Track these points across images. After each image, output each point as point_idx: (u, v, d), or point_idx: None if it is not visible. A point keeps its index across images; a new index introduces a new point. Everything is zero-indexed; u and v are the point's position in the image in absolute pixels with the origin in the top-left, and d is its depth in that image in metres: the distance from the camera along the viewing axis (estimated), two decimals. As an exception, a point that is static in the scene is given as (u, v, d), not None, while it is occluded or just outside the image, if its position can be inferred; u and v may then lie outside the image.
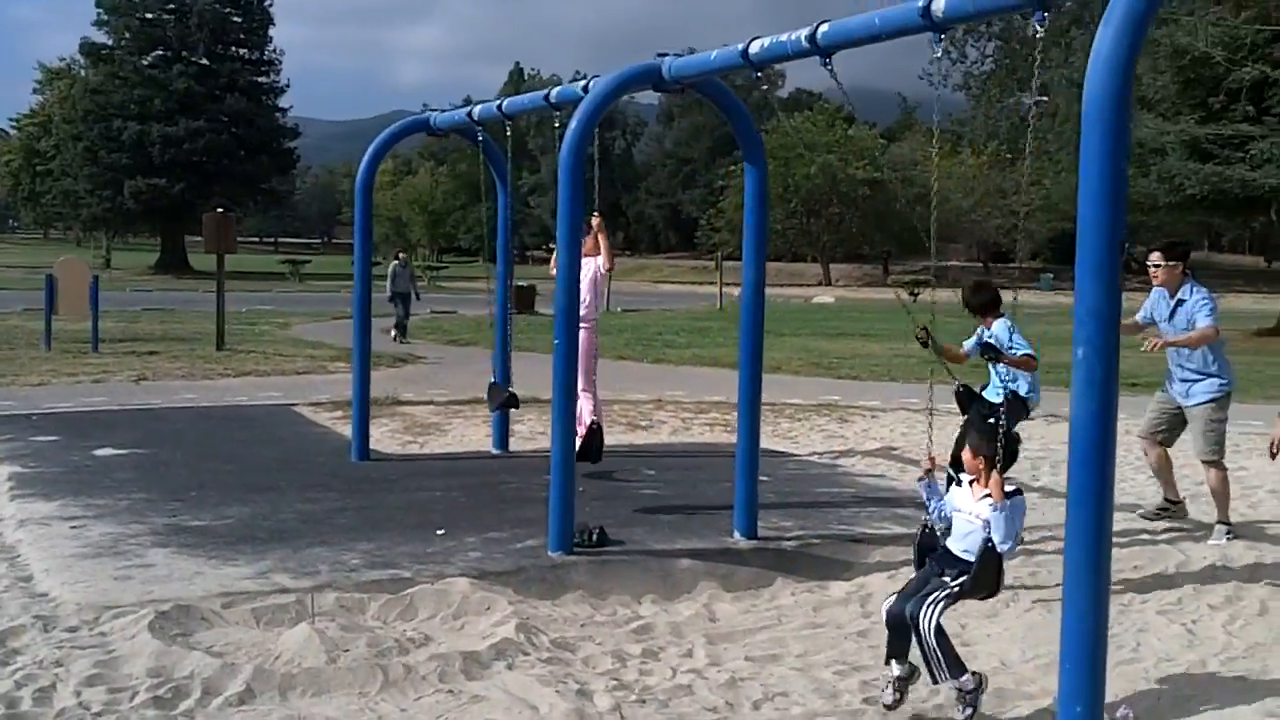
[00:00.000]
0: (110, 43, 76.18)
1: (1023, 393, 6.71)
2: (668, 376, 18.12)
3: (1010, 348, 6.83)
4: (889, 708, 5.43)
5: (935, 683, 5.33)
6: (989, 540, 5.16)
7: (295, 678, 5.38)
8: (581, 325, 9.59)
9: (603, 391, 10.64)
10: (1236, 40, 24.51)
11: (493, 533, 7.97)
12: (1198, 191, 26.94)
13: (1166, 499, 9.21)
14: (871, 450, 12.35)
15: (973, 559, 5.25)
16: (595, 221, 9.45)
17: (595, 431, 9.39)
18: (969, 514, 5.41)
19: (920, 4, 5.58)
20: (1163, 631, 6.55)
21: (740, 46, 6.83)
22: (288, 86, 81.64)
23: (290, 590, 6.58)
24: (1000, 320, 6.82)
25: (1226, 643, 6.41)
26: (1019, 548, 5.99)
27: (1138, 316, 9.01)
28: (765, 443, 8.46)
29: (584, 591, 7.07)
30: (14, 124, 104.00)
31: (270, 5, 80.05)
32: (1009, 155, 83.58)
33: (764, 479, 8.35)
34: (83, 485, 9.28)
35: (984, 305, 6.91)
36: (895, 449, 12.46)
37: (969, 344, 6.99)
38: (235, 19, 78.07)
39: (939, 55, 5.96)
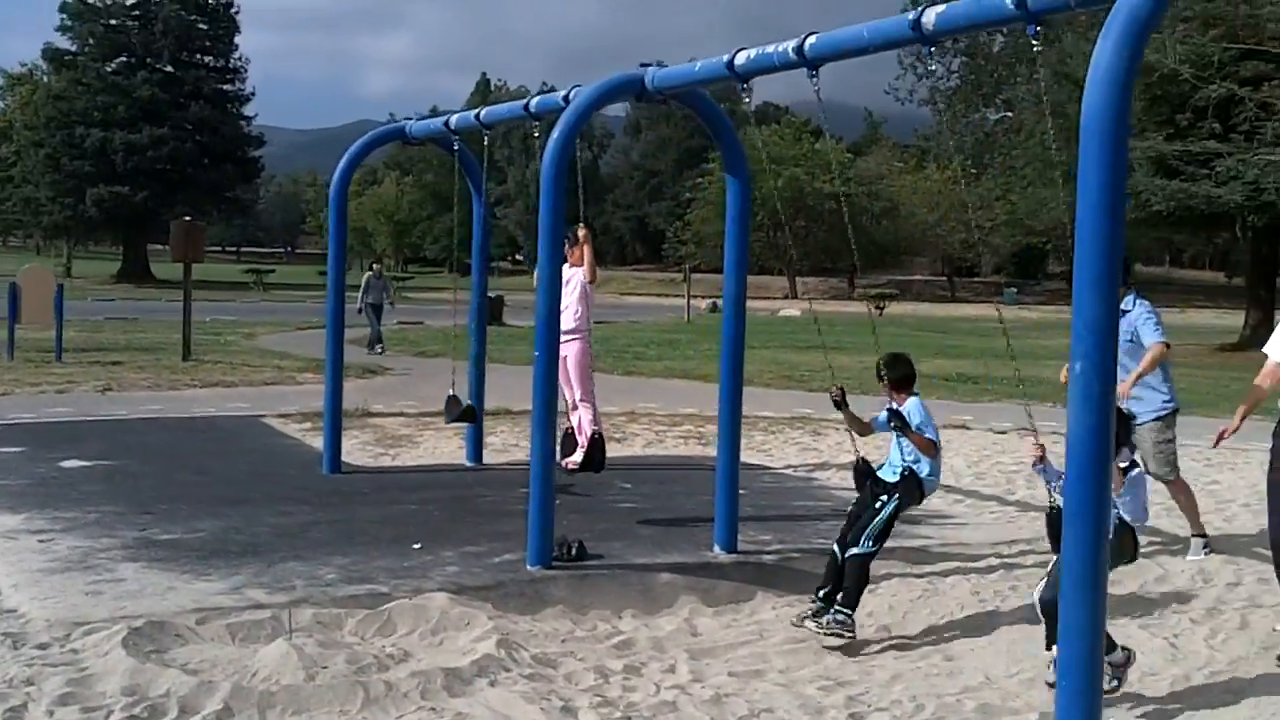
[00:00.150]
0: (73, 49, 75.55)
1: (922, 474, 6.56)
2: (639, 389, 18.02)
3: (918, 427, 6.62)
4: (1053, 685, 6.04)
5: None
6: (1120, 517, 5.64)
7: (274, 696, 5.26)
8: (575, 336, 9.54)
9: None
10: (1204, 58, 24.70)
11: (470, 547, 7.87)
12: (1164, 208, 27.11)
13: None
14: (846, 464, 12.17)
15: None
16: (582, 233, 9.39)
17: (597, 441, 9.33)
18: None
19: (911, 16, 5.55)
20: (1145, 645, 6.51)
21: (726, 58, 6.78)
22: (253, 95, 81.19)
23: (265, 606, 6.46)
24: (913, 399, 6.65)
25: (1209, 657, 6.40)
26: (1148, 520, 6.42)
27: None
28: (745, 455, 8.39)
29: (564, 606, 6.99)
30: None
31: (236, 12, 79.63)
32: (974, 170, 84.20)
33: (741, 492, 8.28)
34: (49, 498, 9.11)
35: (898, 380, 6.73)
36: (870, 463, 12.39)
37: (879, 418, 6.84)
38: (201, 26, 77.59)
39: (904, 73, 6.08)
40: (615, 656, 6.26)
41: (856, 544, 6.66)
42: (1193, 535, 8.72)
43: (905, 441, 6.74)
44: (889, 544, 8.38)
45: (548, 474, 7.44)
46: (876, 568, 7.93)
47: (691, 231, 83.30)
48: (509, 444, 12.65)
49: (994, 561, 8.28)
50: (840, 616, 6.50)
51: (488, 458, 11.42)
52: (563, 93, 8.20)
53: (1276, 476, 6.65)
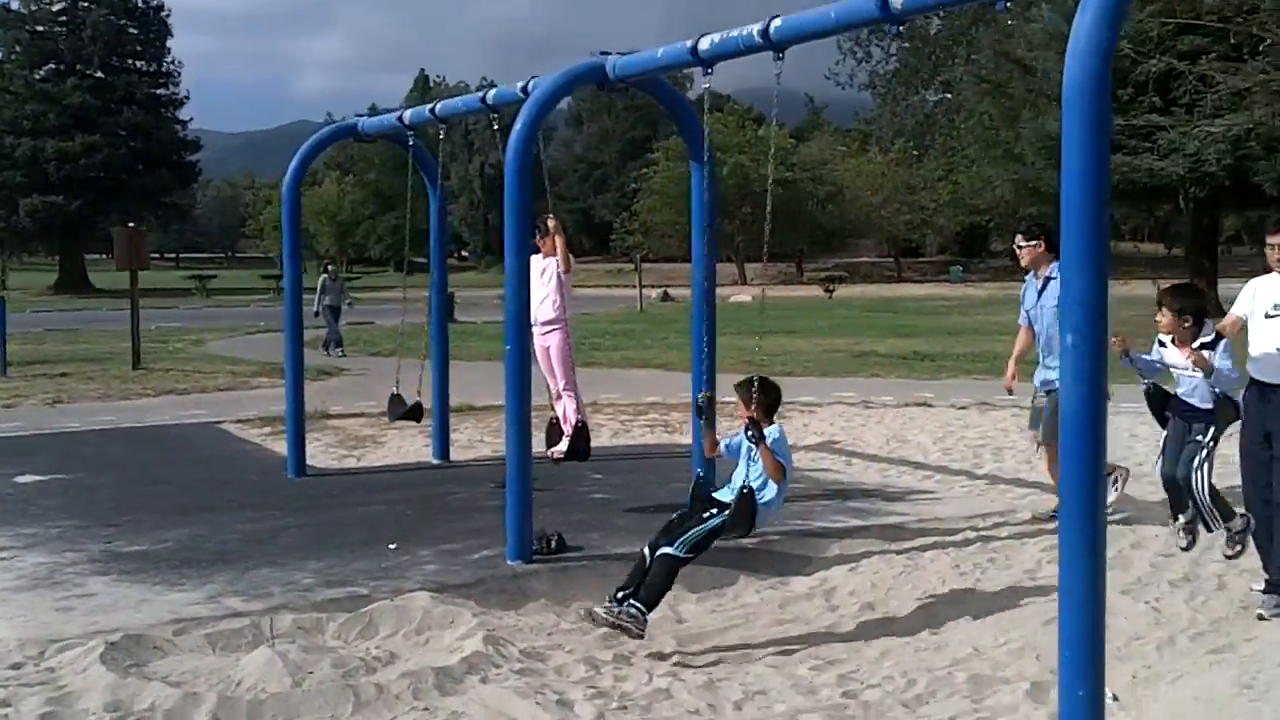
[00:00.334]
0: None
1: (761, 499, 6.33)
2: (600, 379, 17.93)
3: (774, 444, 6.48)
4: (1185, 549, 6.90)
5: (1209, 531, 6.61)
6: (1215, 390, 6.52)
7: (262, 705, 5.16)
8: (555, 327, 9.46)
9: (537, 397, 10.51)
10: (1142, 34, 24.90)
11: (446, 545, 7.78)
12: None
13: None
14: (813, 445, 12.31)
15: (1206, 405, 6.67)
16: (552, 223, 9.31)
17: (581, 430, 9.25)
18: (1184, 369, 6.64)
19: (879, -6, 5.50)
20: (1129, 611, 6.55)
21: (689, 44, 6.71)
22: (187, 98, 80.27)
23: (243, 614, 6.35)
24: (775, 427, 6.52)
25: (1191, 618, 6.44)
26: (1237, 375, 6.74)
27: (1020, 322, 9.10)
28: (693, 439, 8.35)
29: (547, 600, 6.92)
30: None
31: (167, 16, 78.64)
32: (916, 152, 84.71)
33: (713, 478, 8.24)
34: (7, 514, 8.92)
35: (770, 406, 6.60)
36: (837, 442, 12.43)
37: (730, 442, 6.66)
38: (131, 30, 76.62)
39: (843, 58, 6.16)
40: (603, 647, 6.20)
41: (670, 545, 6.25)
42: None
43: (755, 466, 6.40)
44: (864, 522, 8.47)
45: (524, 468, 7.36)
46: (855, 546, 7.97)
47: (639, 222, 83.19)
48: (474, 440, 12.54)
49: (970, 535, 8.29)
50: (634, 611, 6.10)
51: (454, 455, 11.31)
52: (521, 84, 8.10)
53: (1246, 441, 6.70)
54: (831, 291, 58.20)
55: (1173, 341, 6.72)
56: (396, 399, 10.31)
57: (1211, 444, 6.47)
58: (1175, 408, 6.84)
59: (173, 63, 79.40)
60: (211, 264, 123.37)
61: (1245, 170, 25.95)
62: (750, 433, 6.26)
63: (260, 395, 16.99)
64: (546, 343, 9.99)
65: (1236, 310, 6.76)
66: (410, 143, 10.12)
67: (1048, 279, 8.76)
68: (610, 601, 6.19)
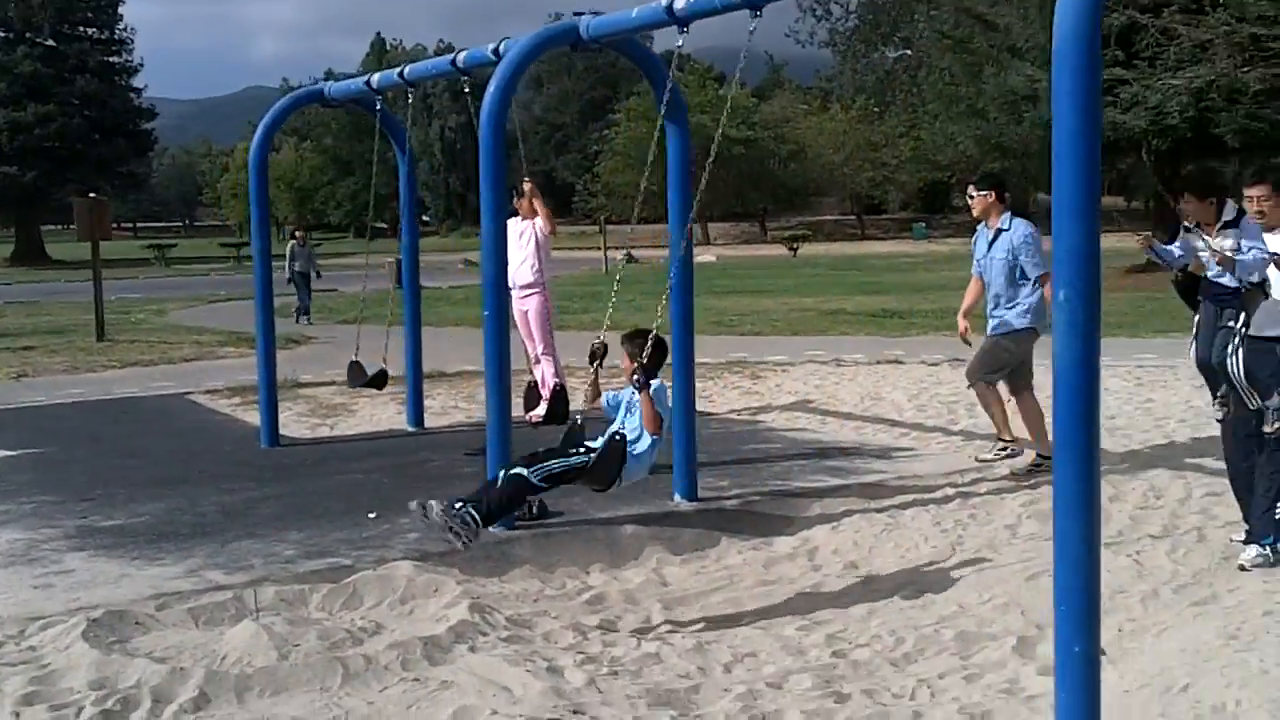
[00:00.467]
0: (-55, 27, 73.17)
1: (633, 450, 6.10)
2: (569, 342, 17.57)
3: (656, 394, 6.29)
4: (1221, 420, 6.74)
5: (1249, 409, 6.41)
6: (1242, 279, 6.41)
7: (250, 678, 5.11)
8: (534, 290, 9.41)
9: (516, 362, 10.46)
10: (1104, -15, 24.86)
11: (426, 512, 7.72)
12: (1070, 135, 27.33)
13: (1039, 454, 8.93)
14: (788, 405, 12.30)
15: (1234, 285, 6.52)
16: (529, 186, 9.24)
17: (559, 393, 9.21)
18: (1213, 251, 6.54)
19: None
20: (1111, 564, 6.52)
21: (664, 2, 6.64)
22: (141, 66, 79.16)
23: (225, 587, 6.29)
24: (659, 381, 6.34)
25: (1174, 571, 6.46)
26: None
27: (973, 271, 9.17)
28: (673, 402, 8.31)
29: (531, 566, 6.90)
30: None
31: (119, -19, 77.46)
32: (877, 109, 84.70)
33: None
34: (-22, 491, 8.81)
35: (658, 364, 6.42)
36: (811, 401, 12.43)
37: (614, 396, 6.45)
38: (81, -2, 75.42)
39: (803, 15, 6.11)
40: (589, 612, 6.20)
41: (528, 469, 5.95)
42: (1000, 439, 9.04)
43: (633, 418, 6.18)
44: (844, 481, 8.47)
45: (504, 434, 7.31)
46: (836, 505, 7.98)
47: (601, 183, 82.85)
48: (448, 406, 12.47)
49: (950, 491, 8.31)
50: (468, 518, 5.73)
51: (428, 422, 11.24)
52: (492, 46, 8.00)
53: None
54: (795, 250, 58.19)
55: (1197, 226, 6.70)
56: (356, 366, 10.20)
57: (1244, 329, 6.38)
58: (1206, 291, 6.76)
59: (125, 30, 78.24)
60: (169, 233, 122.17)
61: (1206, 122, 26.05)
62: (637, 378, 6.02)
63: (228, 365, 16.84)
64: (525, 306, 9.94)
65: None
66: (378, 107, 9.99)
67: (999, 230, 8.83)
68: (448, 503, 5.81)
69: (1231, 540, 6.76)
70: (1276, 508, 6.26)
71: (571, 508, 7.72)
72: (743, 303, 25.41)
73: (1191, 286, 6.90)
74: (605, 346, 6.56)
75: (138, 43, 79.29)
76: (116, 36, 77.74)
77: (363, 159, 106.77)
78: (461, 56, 8.41)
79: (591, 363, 6.55)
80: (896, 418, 11.31)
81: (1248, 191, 6.55)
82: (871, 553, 7.17)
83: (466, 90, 8.57)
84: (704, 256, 52.29)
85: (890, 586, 6.57)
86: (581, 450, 6.08)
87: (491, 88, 7.02)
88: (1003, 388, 9.21)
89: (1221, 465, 8.08)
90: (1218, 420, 6.77)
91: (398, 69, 9.36)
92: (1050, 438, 8.20)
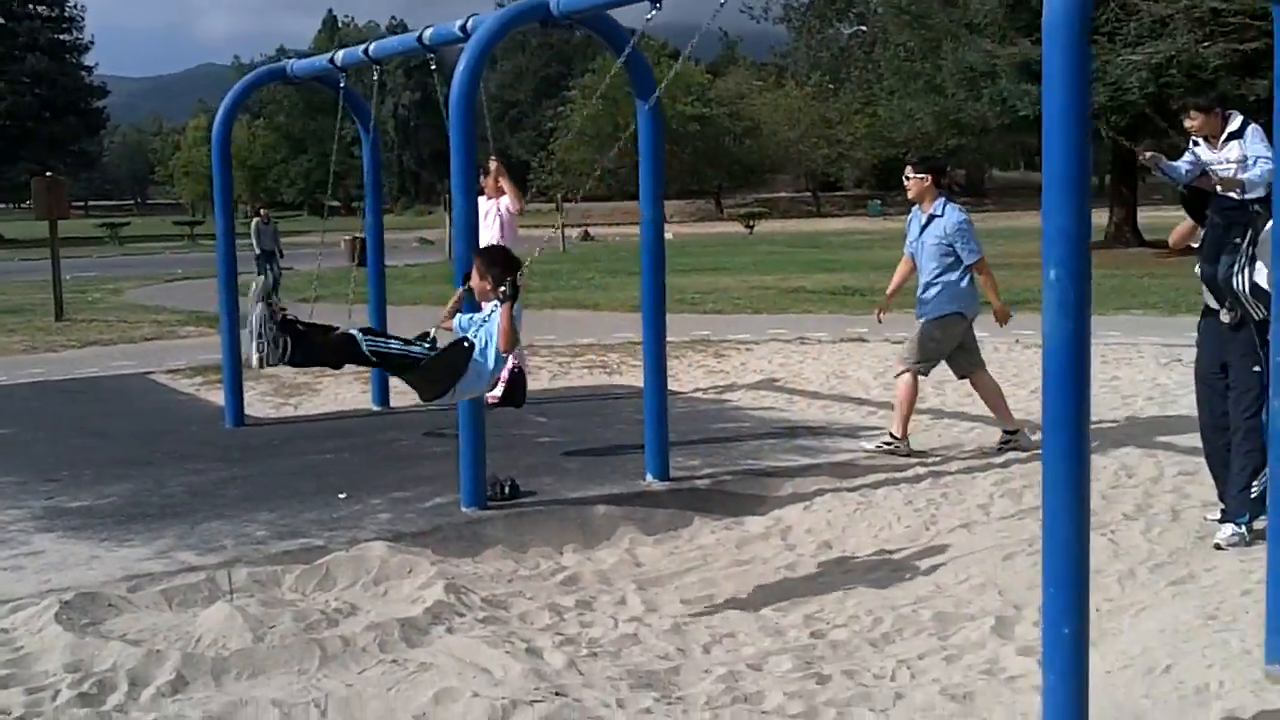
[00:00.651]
0: (-108, 4, 72.02)
1: (479, 357, 5.73)
2: (531, 321, 17.54)
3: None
4: (1232, 327, 6.46)
5: (1255, 319, 6.25)
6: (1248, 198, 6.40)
7: (227, 661, 5.05)
8: None
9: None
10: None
11: (397, 492, 7.68)
12: (1030, 112, 27.48)
13: (1005, 430, 9.06)
14: (754, 383, 12.31)
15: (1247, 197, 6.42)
16: (494, 164, 9.16)
17: (518, 377, 9.12)
18: (1220, 163, 6.58)
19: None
20: (1087, 544, 6.60)
21: (639, -24, 6.57)
22: (91, 44, 78.22)
23: (198, 568, 6.22)
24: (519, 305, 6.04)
25: (1149, 550, 6.49)
26: None
27: (906, 251, 9.19)
28: (644, 381, 8.30)
29: (504, 546, 6.85)
30: None
31: (68, -41, 76.47)
32: (832, 86, 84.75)
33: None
34: (-62, 472, 8.67)
35: (499, 276, 5.99)
36: (777, 380, 12.45)
37: (471, 317, 6.14)
38: (30, -26, 74.44)
39: None
40: (564, 593, 6.16)
41: (366, 336, 5.66)
42: (891, 434, 8.85)
43: (485, 331, 5.74)
44: (814, 461, 8.48)
45: (478, 414, 7.26)
46: (807, 485, 7.98)
47: (556, 161, 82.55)
48: (412, 386, 12.38)
49: (920, 471, 8.33)
50: (284, 341, 5.50)
51: (393, 400, 11.16)
52: (459, 23, 7.91)
53: (1201, 368, 6.76)
54: (752, 228, 58.28)
55: (1205, 140, 6.72)
56: None
57: (1250, 248, 6.29)
58: (1214, 206, 6.78)
59: (75, 7, 77.26)
60: (121, 211, 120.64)
61: (1165, 98, 26.21)
62: (504, 290, 5.60)
63: (188, 345, 16.68)
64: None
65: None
66: (341, 85, 9.87)
67: (931, 215, 8.85)
68: (275, 310, 5.55)
69: (1206, 519, 6.80)
70: (1252, 487, 6.29)
71: (543, 487, 7.70)
72: (703, 280, 25.40)
73: (1198, 200, 6.88)
74: (516, 287, 5.81)
75: (88, 20, 78.41)
76: (66, 14, 76.88)
77: (315, 136, 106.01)
78: (428, 33, 8.31)
79: (464, 283, 6.08)
80: (863, 396, 11.34)
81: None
82: (845, 532, 7.17)
83: (433, 67, 8.50)
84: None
85: (865, 566, 6.58)
86: (424, 346, 5.77)
87: (461, 65, 6.95)
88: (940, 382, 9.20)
89: (1192, 443, 8.15)
90: (1224, 322, 6.61)
91: (363, 46, 9.23)
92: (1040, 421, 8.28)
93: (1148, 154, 6.83)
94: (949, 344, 8.89)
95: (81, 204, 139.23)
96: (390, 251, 36.94)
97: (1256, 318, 6.29)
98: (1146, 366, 12.25)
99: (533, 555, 6.81)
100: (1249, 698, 4.44)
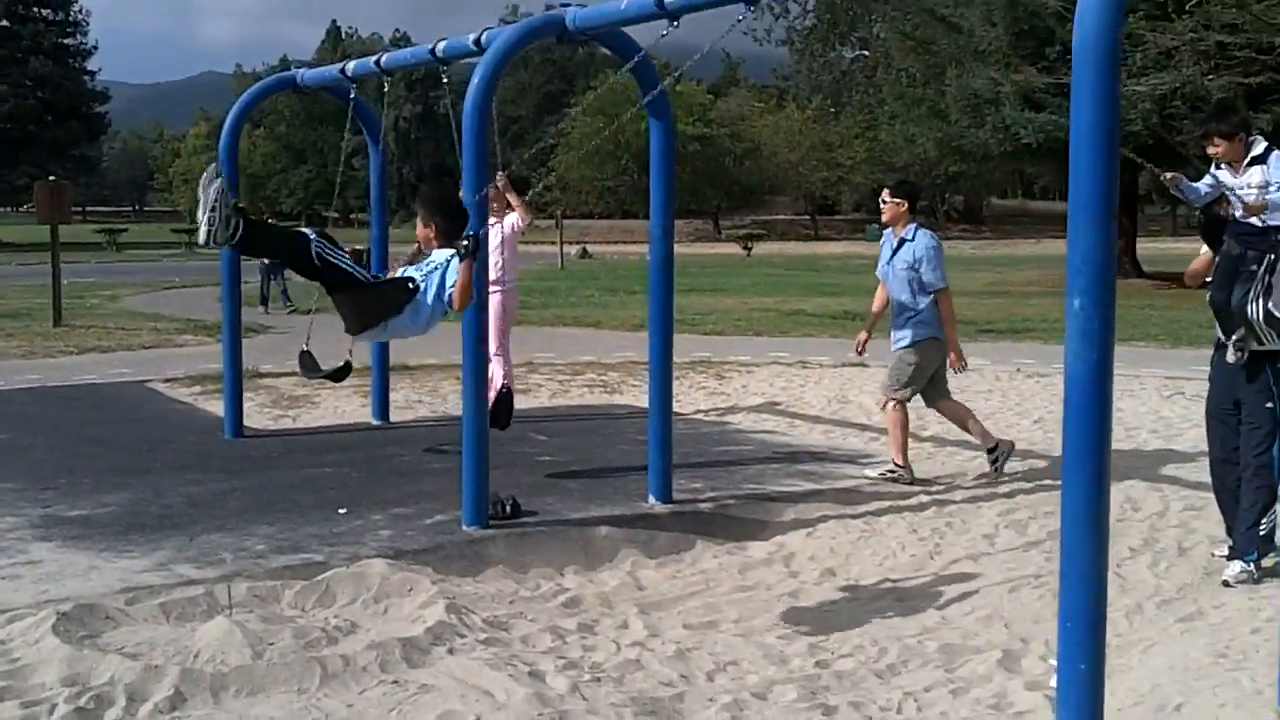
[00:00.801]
0: (-103, 4, 72.04)
1: (416, 306, 5.58)
2: (530, 338, 17.72)
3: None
4: (1234, 364, 6.41)
5: (1259, 345, 6.26)
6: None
7: (225, 677, 4.98)
8: (494, 289, 9.24)
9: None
10: (1069, -9, 25.04)
11: (398, 509, 7.61)
12: (1033, 140, 27.52)
13: (987, 450, 9.00)
14: (755, 406, 12.26)
15: (1262, 225, 6.34)
16: (501, 181, 9.11)
17: (504, 397, 9.04)
18: (1242, 188, 6.49)
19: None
20: (1091, 577, 6.55)
21: (655, -6, 6.54)
22: (95, 49, 78.33)
23: (197, 581, 6.15)
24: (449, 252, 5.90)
25: (1157, 585, 6.44)
26: None
27: (878, 273, 9.16)
28: (650, 402, 8.25)
29: (505, 566, 6.79)
30: None
31: (73, -36, 76.58)
32: (832, 109, 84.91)
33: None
34: (-65, 477, 8.59)
35: (444, 227, 5.81)
36: (778, 404, 12.39)
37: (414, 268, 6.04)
38: (36, -22, 74.52)
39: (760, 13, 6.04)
40: (566, 615, 6.10)
41: (322, 245, 5.54)
42: (894, 463, 8.79)
43: (435, 279, 5.57)
44: (819, 486, 8.42)
45: (481, 431, 7.20)
46: (810, 511, 7.92)
47: (555, 177, 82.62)
48: (412, 400, 12.33)
49: (924, 499, 8.27)
50: (234, 220, 5.39)
51: (392, 415, 11.11)
52: (473, 36, 7.89)
53: (1212, 404, 6.72)
54: (750, 249, 58.34)
55: (1228, 164, 6.68)
56: (308, 356, 9.90)
57: (1268, 276, 6.23)
58: (1230, 231, 6.74)
59: (80, 12, 77.37)
60: (119, 217, 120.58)
61: (1169, 130, 26.25)
62: (465, 244, 5.45)
63: (187, 353, 16.61)
64: None
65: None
66: (351, 96, 9.82)
67: (902, 239, 8.83)
68: (228, 193, 5.49)
69: (1214, 555, 6.75)
70: (1261, 524, 6.25)
71: (544, 507, 7.65)
72: (702, 301, 25.34)
73: (1215, 225, 6.84)
74: (478, 242, 5.73)
75: (92, 25, 78.49)
76: (71, 18, 76.92)
77: (315, 147, 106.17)
78: (441, 46, 8.28)
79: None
80: (865, 421, 11.27)
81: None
82: (849, 560, 7.12)
83: (445, 80, 8.47)
84: (661, 253, 52.30)
85: (870, 595, 6.52)
86: (374, 278, 5.70)
87: (476, 78, 6.92)
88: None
89: (1197, 477, 8.12)
90: (1229, 362, 6.58)
91: (375, 56, 9.20)
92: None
93: (1168, 175, 6.77)
94: (929, 368, 8.86)
95: (80, 209, 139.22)
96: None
97: (1269, 346, 6.25)
98: (1149, 398, 12.21)
99: (534, 576, 6.75)
100: (1262, 739, 4.40)
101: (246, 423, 10.50)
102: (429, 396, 12.55)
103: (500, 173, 9.04)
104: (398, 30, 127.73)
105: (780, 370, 14.81)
